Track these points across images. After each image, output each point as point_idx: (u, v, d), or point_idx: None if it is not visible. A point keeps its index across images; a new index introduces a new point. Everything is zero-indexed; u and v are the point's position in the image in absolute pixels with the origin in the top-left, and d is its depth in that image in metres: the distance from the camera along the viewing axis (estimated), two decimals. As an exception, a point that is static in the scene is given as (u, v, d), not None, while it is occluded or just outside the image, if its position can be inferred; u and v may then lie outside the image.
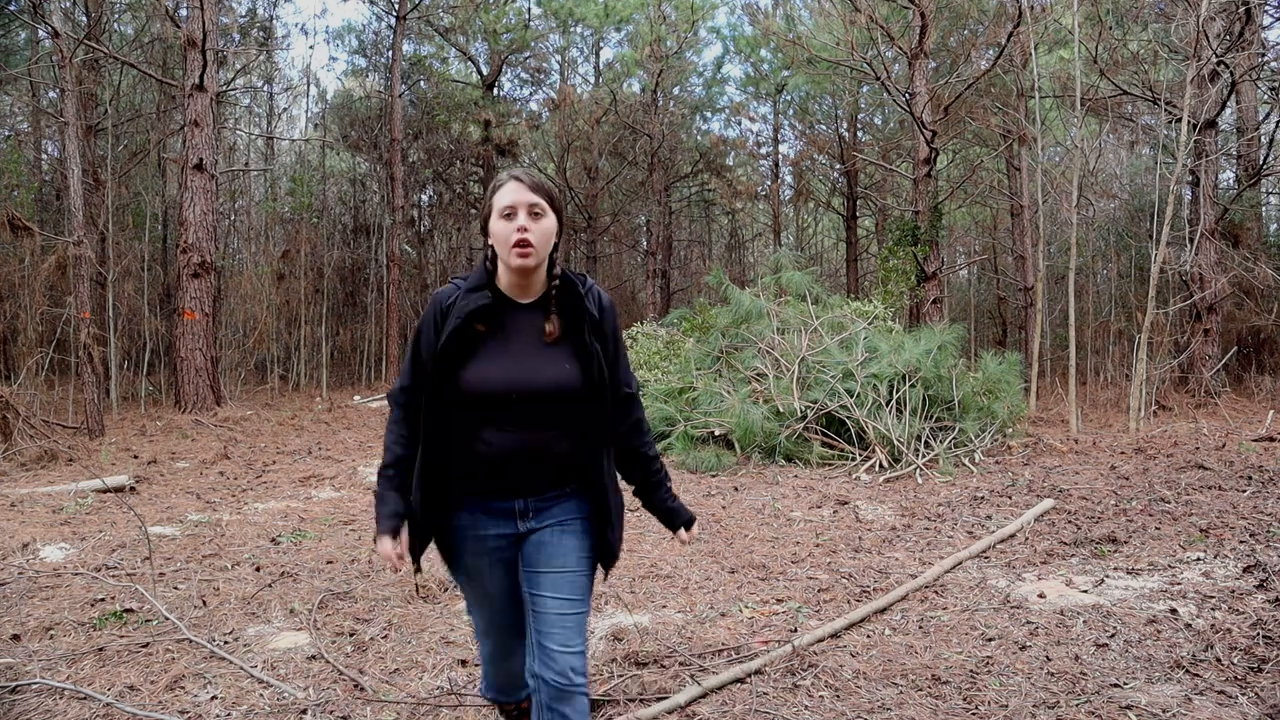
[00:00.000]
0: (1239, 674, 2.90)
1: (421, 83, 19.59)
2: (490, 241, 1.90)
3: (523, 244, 1.82)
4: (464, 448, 1.85)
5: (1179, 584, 3.91)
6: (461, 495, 1.90)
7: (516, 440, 1.84)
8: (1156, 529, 4.93)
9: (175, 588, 3.98)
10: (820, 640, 3.29)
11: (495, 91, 20.28)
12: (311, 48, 43.58)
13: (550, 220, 1.88)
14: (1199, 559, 4.30)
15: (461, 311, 1.84)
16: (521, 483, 1.89)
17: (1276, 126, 12.12)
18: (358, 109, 19.76)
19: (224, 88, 15.45)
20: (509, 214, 1.84)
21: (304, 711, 2.71)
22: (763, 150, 23.93)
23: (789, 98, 22.36)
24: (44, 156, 16.88)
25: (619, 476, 2.08)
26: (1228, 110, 12.75)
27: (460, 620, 3.54)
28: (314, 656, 3.15)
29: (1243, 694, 2.74)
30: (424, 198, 21.62)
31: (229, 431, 9.86)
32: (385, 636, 3.36)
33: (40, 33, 14.00)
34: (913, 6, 12.46)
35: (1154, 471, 6.54)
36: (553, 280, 1.96)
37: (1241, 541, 4.56)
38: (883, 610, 3.64)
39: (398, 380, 1.94)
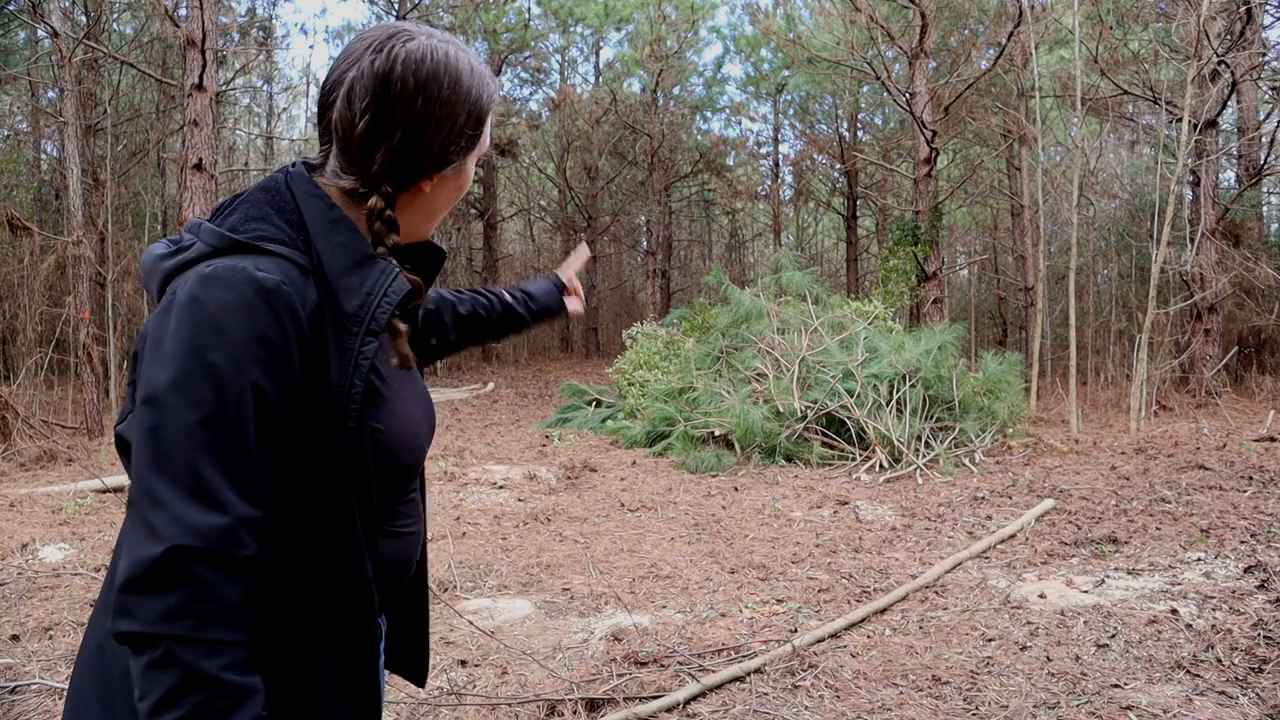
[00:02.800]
0: (1240, 674, 2.89)
1: (421, 82, 19.58)
2: (427, 185, 1.00)
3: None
4: (369, 561, 0.97)
5: (1180, 584, 3.91)
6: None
7: (417, 519, 1.10)
8: (1157, 529, 4.93)
9: (174, 588, 3.97)
10: (820, 640, 3.29)
11: (495, 91, 20.25)
12: (311, 47, 43.70)
13: None
14: (1200, 559, 4.30)
15: (365, 316, 0.92)
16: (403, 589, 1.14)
17: (1277, 126, 12.10)
18: (358, 109, 19.69)
19: (224, 87, 15.44)
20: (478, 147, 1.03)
21: (303, 712, 2.70)
22: (763, 150, 23.96)
23: (789, 97, 22.36)
24: (43, 156, 16.88)
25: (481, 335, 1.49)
26: (1228, 110, 12.74)
27: (459, 620, 3.53)
28: (313, 657, 3.14)
29: (1243, 694, 2.74)
30: (424, 198, 21.59)
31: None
32: (384, 637, 3.35)
33: (39, 32, 14.00)
34: (913, 6, 12.45)
35: (1155, 472, 6.53)
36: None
37: (1242, 542, 4.56)
38: (883, 610, 3.63)
39: (201, 514, 0.80)
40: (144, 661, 0.78)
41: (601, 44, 22.57)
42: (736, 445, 7.56)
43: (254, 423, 0.84)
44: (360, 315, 0.92)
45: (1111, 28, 11.47)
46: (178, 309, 0.84)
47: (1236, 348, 12.77)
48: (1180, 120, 9.46)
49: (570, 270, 1.61)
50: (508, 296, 1.52)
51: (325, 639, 0.93)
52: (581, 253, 1.64)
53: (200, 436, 0.81)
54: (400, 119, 0.94)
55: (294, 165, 1.01)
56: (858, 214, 22.61)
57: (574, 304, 1.59)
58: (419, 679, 1.28)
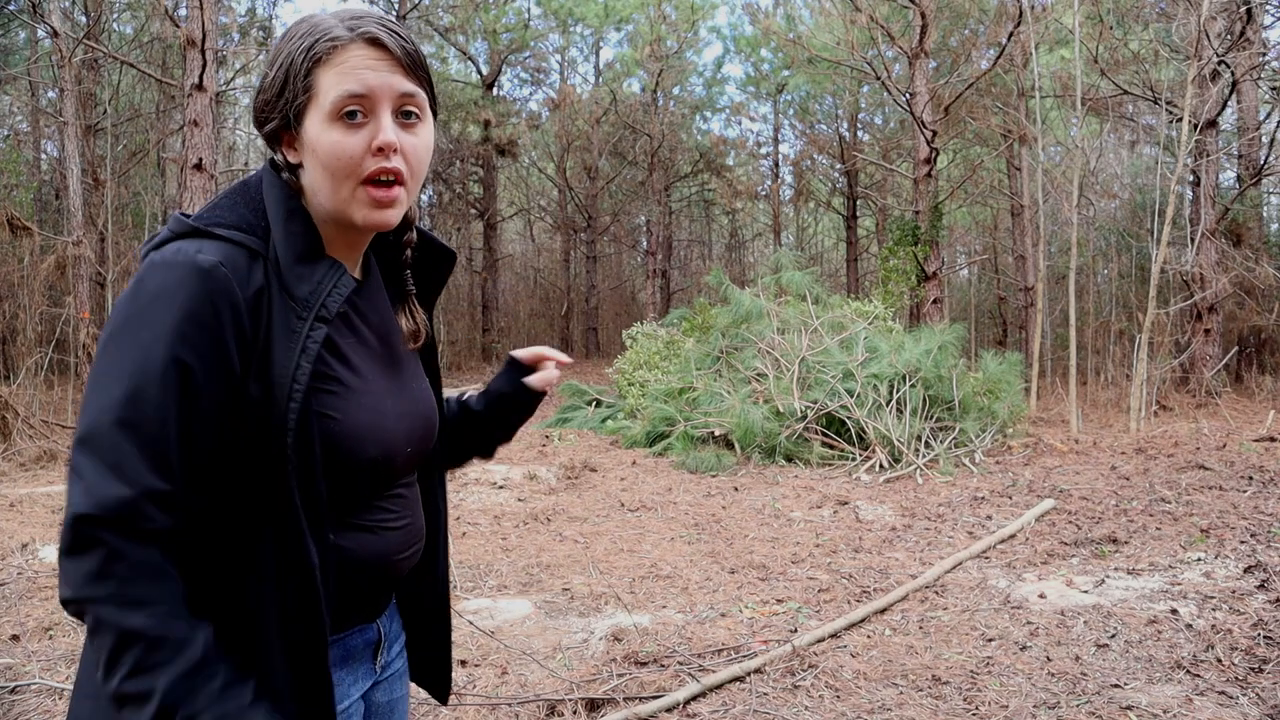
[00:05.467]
0: (1240, 674, 2.89)
1: (421, 82, 19.60)
2: (292, 155, 0.99)
3: (389, 181, 0.96)
4: (328, 557, 0.95)
5: (1180, 584, 3.91)
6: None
7: (410, 504, 1.09)
8: (1157, 529, 4.93)
9: (174, 588, 3.97)
10: (820, 640, 3.29)
11: (495, 91, 20.28)
12: (311, 47, 43.57)
13: (430, 128, 1.01)
14: (1200, 559, 4.30)
15: (315, 303, 0.93)
16: (392, 588, 1.11)
17: (1277, 126, 12.10)
18: (357, 109, 19.72)
19: (224, 87, 15.44)
20: (356, 110, 0.93)
21: (303, 712, 2.69)
22: (763, 150, 23.97)
23: (789, 97, 22.37)
24: (43, 156, 16.88)
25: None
26: (1229, 110, 12.74)
27: (459, 620, 3.53)
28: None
29: (1243, 694, 2.74)
30: (424, 198, 21.64)
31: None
32: (384, 637, 3.35)
33: (39, 32, 14.00)
34: (913, 6, 12.45)
35: (1155, 472, 6.53)
36: (405, 235, 1.11)
37: (1242, 542, 4.56)
38: (883, 610, 3.63)
39: (109, 484, 0.81)
40: (88, 637, 0.82)
41: (601, 44, 22.59)
42: (736, 445, 7.55)
43: (178, 399, 0.85)
44: (310, 301, 0.93)
45: (1111, 28, 11.47)
46: (127, 292, 0.89)
47: (1237, 348, 12.78)
48: (1180, 120, 9.46)
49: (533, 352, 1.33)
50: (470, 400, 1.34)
51: (273, 629, 0.91)
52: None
53: (121, 412, 0.83)
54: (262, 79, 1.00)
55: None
56: (858, 214, 22.61)
57: (537, 378, 1.30)
58: (440, 693, 1.24)
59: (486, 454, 1.34)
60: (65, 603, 0.82)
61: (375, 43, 0.94)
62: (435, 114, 1.04)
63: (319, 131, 0.94)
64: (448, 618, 1.22)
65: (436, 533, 1.19)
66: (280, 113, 0.97)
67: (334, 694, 0.94)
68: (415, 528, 1.09)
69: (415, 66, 0.97)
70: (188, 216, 0.95)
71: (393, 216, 0.98)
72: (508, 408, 1.30)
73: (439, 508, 1.19)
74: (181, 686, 0.81)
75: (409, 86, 0.96)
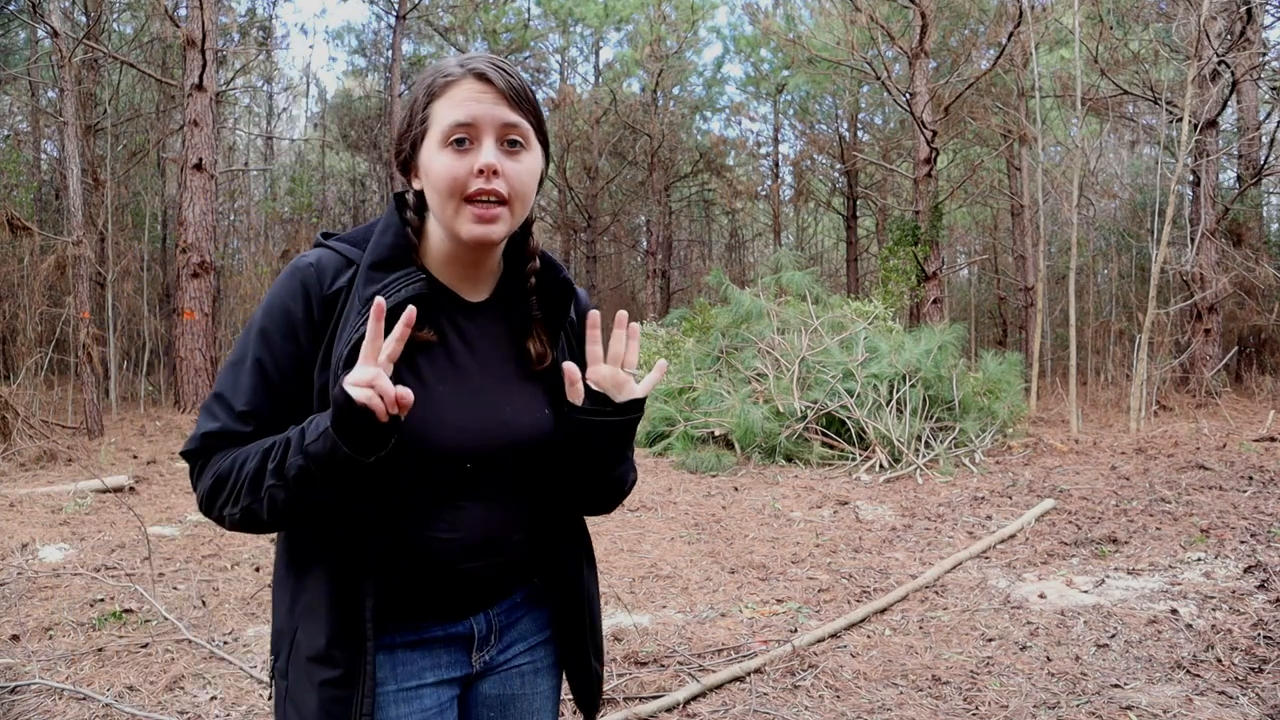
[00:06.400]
0: (1240, 674, 2.89)
1: (421, 82, 19.62)
2: (417, 183, 1.11)
3: (489, 199, 1.04)
4: (387, 542, 1.07)
5: (1180, 584, 3.91)
6: (379, 627, 1.08)
7: (478, 518, 1.10)
8: (1157, 529, 4.93)
9: (175, 588, 3.98)
10: (820, 640, 3.29)
11: (495, 91, 20.26)
12: (311, 47, 43.69)
13: (535, 157, 1.09)
14: (1200, 559, 4.30)
15: (379, 296, 1.01)
16: (484, 587, 1.14)
17: (1277, 126, 12.11)
18: (357, 109, 19.78)
19: (224, 87, 15.45)
20: (463, 138, 1.03)
21: (303, 712, 2.70)
22: (763, 150, 23.97)
23: (789, 97, 22.37)
24: (43, 156, 16.87)
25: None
26: (1229, 110, 12.75)
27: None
28: (313, 657, 3.14)
29: (1243, 694, 2.74)
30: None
31: (229, 431, 9.82)
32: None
33: (39, 32, 13.99)
34: (913, 6, 12.45)
35: (1154, 472, 6.53)
36: (529, 263, 1.17)
37: (1242, 542, 4.56)
38: (883, 610, 3.63)
39: (206, 422, 1.06)
40: (232, 521, 1.05)
41: (601, 44, 22.59)
42: (736, 445, 7.56)
43: (257, 364, 1.06)
44: (371, 299, 1.04)
45: (1111, 28, 11.48)
46: None
47: (1237, 348, 12.78)
48: (1180, 120, 9.46)
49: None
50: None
51: (325, 589, 1.07)
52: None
53: (227, 373, 1.08)
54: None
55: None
56: (858, 214, 22.61)
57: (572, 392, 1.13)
58: (586, 707, 1.28)
59: (583, 496, 1.20)
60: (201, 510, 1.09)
61: (482, 78, 1.05)
62: (545, 145, 1.12)
63: (431, 156, 1.05)
64: (582, 642, 1.25)
65: (556, 561, 1.22)
66: (407, 143, 1.10)
67: (370, 651, 1.06)
68: (476, 543, 1.11)
69: (520, 100, 1.06)
70: (329, 235, 1.16)
71: (494, 232, 1.06)
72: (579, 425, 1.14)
73: (553, 533, 1.21)
74: (255, 464, 1.02)
75: (512, 117, 1.05)
